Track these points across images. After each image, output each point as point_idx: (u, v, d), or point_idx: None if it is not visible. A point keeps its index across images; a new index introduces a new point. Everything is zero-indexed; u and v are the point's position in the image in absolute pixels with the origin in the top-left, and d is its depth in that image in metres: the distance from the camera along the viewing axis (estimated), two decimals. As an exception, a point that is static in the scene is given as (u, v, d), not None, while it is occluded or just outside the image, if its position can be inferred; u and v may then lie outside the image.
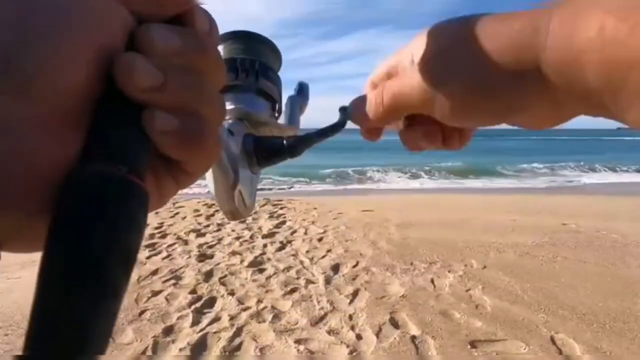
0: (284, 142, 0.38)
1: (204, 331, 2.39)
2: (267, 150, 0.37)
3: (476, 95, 0.29)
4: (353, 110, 0.38)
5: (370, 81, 0.38)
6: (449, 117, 0.31)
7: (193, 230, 4.63)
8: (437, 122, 0.34)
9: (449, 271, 3.30)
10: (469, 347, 2.24)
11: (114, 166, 0.17)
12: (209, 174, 0.33)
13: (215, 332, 2.38)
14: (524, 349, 2.21)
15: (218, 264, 3.49)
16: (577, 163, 16.12)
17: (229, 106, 0.37)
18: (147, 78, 0.18)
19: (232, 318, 2.54)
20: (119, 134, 0.18)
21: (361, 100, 0.37)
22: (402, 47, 0.35)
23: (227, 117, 0.37)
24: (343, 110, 0.40)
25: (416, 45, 0.32)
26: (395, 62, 0.35)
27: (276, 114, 0.43)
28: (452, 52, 0.30)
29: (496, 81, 0.28)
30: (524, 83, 0.27)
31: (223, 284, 3.06)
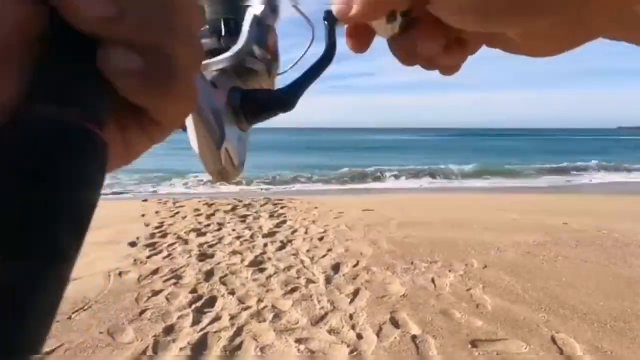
0: (274, 94, 0.35)
1: (205, 330, 2.38)
2: (256, 104, 0.34)
3: None
4: (336, 8, 0.29)
5: None
6: (459, 10, 0.24)
7: (193, 230, 4.63)
8: (438, 27, 0.27)
9: (449, 270, 3.30)
10: (469, 346, 2.23)
11: (62, 109, 0.15)
12: (192, 131, 0.30)
13: (215, 332, 2.38)
14: (525, 348, 2.21)
15: (218, 263, 3.49)
16: (578, 162, 16.09)
17: (212, 58, 0.33)
18: (97, 6, 0.16)
19: (232, 317, 2.54)
20: (68, 73, 0.16)
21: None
22: None
23: (210, 69, 0.34)
24: (328, 15, 0.31)
25: None
26: None
27: (266, 67, 0.39)
28: None
29: None
30: None
31: (223, 283, 3.06)
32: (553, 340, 2.28)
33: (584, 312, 2.60)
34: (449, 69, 0.31)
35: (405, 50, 0.30)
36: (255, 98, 0.33)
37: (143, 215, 5.52)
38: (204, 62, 0.33)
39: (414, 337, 2.31)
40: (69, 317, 2.49)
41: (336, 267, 3.39)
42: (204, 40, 0.34)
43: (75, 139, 0.15)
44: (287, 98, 0.33)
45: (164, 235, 4.38)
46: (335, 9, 0.29)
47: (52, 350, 2.15)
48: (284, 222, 5.09)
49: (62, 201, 0.14)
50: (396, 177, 12.57)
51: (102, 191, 0.17)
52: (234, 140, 0.32)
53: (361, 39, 0.31)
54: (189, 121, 0.29)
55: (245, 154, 0.35)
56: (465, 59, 0.31)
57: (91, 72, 0.17)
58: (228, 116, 0.32)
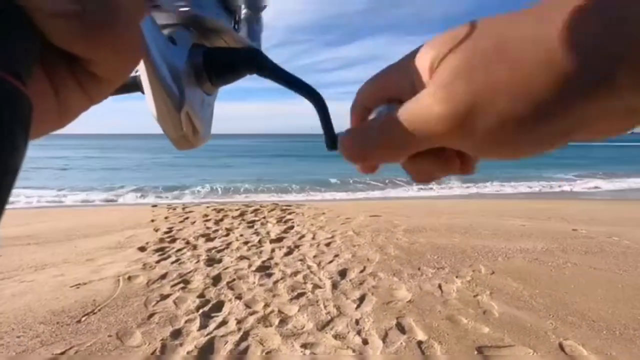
0: (241, 52, 0.31)
1: (212, 335, 2.41)
2: (221, 63, 0.30)
3: (539, 115, 0.20)
4: (344, 149, 0.28)
5: (358, 103, 0.29)
6: (489, 149, 0.23)
7: (202, 235, 4.67)
8: (450, 151, 0.26)
9: (456, 276, 3.28)
10: (475, 353, 2.22)
11: None
12: (148, 93, 0.26)
13: (222, 336, 2.40)
14: (532, 355, 2.19)
15: (226, 268, 3.52)
16: (589, 169, 15.89)
17: (168, 9, 0.29)
18: None
19: (239, 322, 2.56)
20: None
21: (353, 136, 0.28)
22: (408, 56, 0.26)
23: (169, 22, 0.30)
24: (329, 140, 0.30)
25: (436, 50, 0.23)
26: (399, 76, 0.26)
27: (235, 26, 0.34)
28: (501, 55, 0.21)
29: (568, 91, 0.20)
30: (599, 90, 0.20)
31: (231, 288, 3.09)
32: (561, 347, 2.26)
33: (593, 319, 2.57)
34: (469, 173, 0.30)
35: (422, 175, 0.29)
36: (221, 56, 0.30)
37: (153, 221, 5.59)
38: (162, 15, 0.29)
39: (420, 343, 2.31)
40: (79, 321, 2.53)
41: (343, 273, 3.39)
42: None
43: None
44: (256, 60, 0.30)
45: (173, 241, 4.42)
46: (344, 152, 0.28)
47: (62, 353, 2.18)
48: (292, 227, 5.11)
49: None
50: (403, 183, 12.52)
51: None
52: (196, 104, 0.29)
53: (372, 167, 0.30)
54: (145, 82, 0.26)
55: (210, 120, 0.32)
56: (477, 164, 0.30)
57: (10, 12, 0.14)
58: (189, 77, 0.28)
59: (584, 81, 0.19)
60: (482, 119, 0.21)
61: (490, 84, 0.21)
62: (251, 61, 0.30)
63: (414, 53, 0.25)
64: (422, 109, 0.23)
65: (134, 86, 0.28)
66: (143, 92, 0.27)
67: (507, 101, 0.21)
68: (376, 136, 0.26)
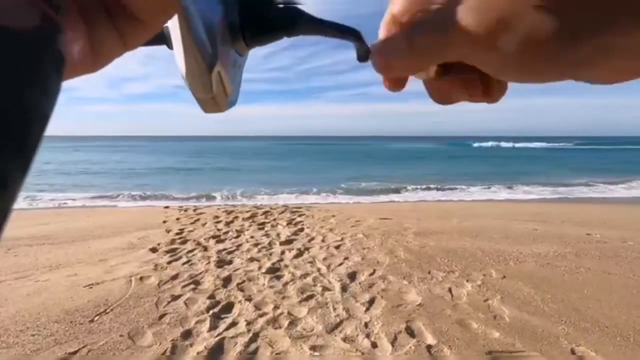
0: (281, 11, 0.28)
1: (221, 336, 2.43)
2: (259, 23, 0.28)
3: (580, 34, 0.18)
4: (374, 56, 0.27)
5: (390, 15, 0.27)
6: (513, 69, 0.21)
7: (213, 237, 4.71)
8: (475, 71, 0.24)
9: (467, 280, 3.26)
10: (486, 358, 2.20)
11: None
12: (178, 48, 0.24)
13: (232, 337, 2.42)
14: (543, 361, 2.17)
15: (236, 269, 3.54)
16: (604, 173, 15.64)
17: None
18: None
19: (248, 323, 2.57)
20: None
21: (379, 44, 0.27)
22: None
23: None
24: (360, 44, 0.28)
25: None
26: None
27: None
28: None
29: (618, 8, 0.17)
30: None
31: (241, 289, 3.11)
32: (573, 353, 2.23)
33: (606, 325, 2.53)
34: (491, 101, 0.28)
35: (441, 94, 0.28)
36: (258, 15, 0.28)
37: (164, 222, 5.65)
38: None
39: (429, 347, 2.30)
40: (92, 320, 2.57)
41: (352, 276, 3.39)
42: None
43: (23, 24, 0.11)
44: (295, 18, 0.28)
45: (184, 242, 4.47)
46: (374, 64, 0.27)
47: (75, 352, 2.22)
48: (302, 230, 5.13)
49: (13, 109, 0.11)
50: (413, 186, 12.46)
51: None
52: (229, 64, 0.27)
53: (398, 83, 0.29)
54: (176, 36, 0.24)
55: (240, 83, 0.30)
56: (505, 92, 0.28)
57: None
58: (224, 34, 0.26)
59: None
60: (512, 32, 0.19)
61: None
62: (290, 26, 0.28)
63: None
64: (447, 14, 0.21)
65: (161, 39, 0.27)
66: (170, 47, 0.25)
67: (540, 14, 0.18)
68: (399, 43, 0.24)
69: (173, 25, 0.24)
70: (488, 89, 0.26)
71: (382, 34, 0.28)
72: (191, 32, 0.23)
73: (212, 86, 0.25)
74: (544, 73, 0.21)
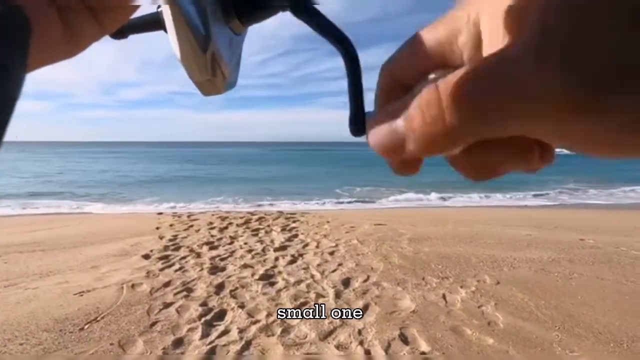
0: None
1: (213, 344, 2.40)
2: None
3: None
4: (371, 136, 0.19)
5: (386, 74, 0.21)
6: (606, 147, 0.15)
7: (206, 243, 4.67)
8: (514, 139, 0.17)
9: (461, 287, 3.25)
10: (479, 364, 2.19)
11: None
12: (172, 31, 0.23)
13: (224, 345, 2.39)
14: (537, 367, 2.16)
15: (229, 276, 3.51)
16: (596, 177, 15.76)
17: None
18: None
19: (241, 331, 2.55)
20: None
21: (383, 118, 0.18)
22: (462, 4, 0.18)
23: None
24: (356, 118, 0.22)
25: None
26: (449, 33, 0.19)
27: None
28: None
29: None
30: None
31: (234, 296, 3.08)
32: None
33: (600, 332, 2.53)
34: (535, 171, 0.21)
35: (483, 169, 0.20)
36: None
37: (157, 228, 5.61)
38: None
39: (423, 354, 2.28)
40: (82, 329, 2.53)
41: (346, 282, 3.37)
42: None
43: None
44: None
45: (177, 248, 4.43)
46: (372, 141, 0.19)
47: (64, 361, 2.18)
48: (296, 236, 5.10)
49: None
50: (408, 192, 12.48)
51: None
52: (224, 44, 0.26)
53: (413, 165, 0.21)
54: (168, 18, 0.23)
55: (238, 64, 0.29)
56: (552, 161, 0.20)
57: None
58: (216, 13, 0.25)
59: None
60: (623, 89, 0.13)
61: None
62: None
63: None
64: (506, 73, 0.14)
65: (157, 24, 0.26)
66: (166, 31, 0.24)
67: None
68: (416, 118, 0.17)
69: (165, 8, 0.23)
70: (546, 152, 0.19)
71: (379, 100, 0.22)
72: (182, 13, 0.23)
73: (207, 68, 0.25)
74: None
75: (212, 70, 0.25)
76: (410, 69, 0.20)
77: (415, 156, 0.18)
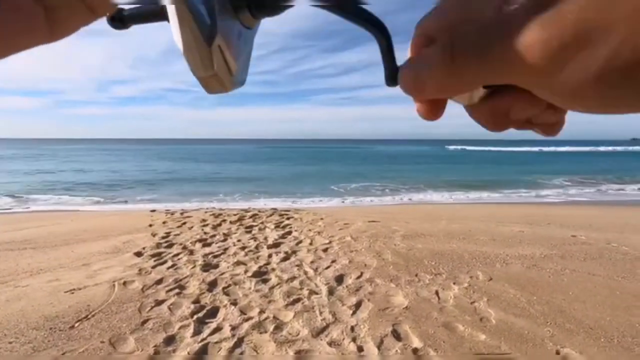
0: None
1: (205, 341, 2.38)
2: None
3: None
4: (403, 73, 0.23)
5: (422, 35, 0.22)
6: (580, 98, 0.17)
7: (199, 240, 4.65)
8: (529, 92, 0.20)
9: (454, 283, 3.26)
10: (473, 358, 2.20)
11: None
12: (174, 21, 0.22)
13: (216, 342, 2.37)
14: (529, 363, 2.17)
15: (222, 273, 3.50)
16: (589, 174, 15.89)
17: None
18: None
19: (233, 328, 2.53)
20: None
21: (410, 64, 0.23)
22: None
23: None
24: (390, 74, 0.24)
25: None
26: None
27: None
28: None
29: None
30: None
31: (226, 293, 3.06)
32: (558, 354, 2.24)
33: (591, 327, 2.55)
34: (551, 128, 0.23)
35: (494, 117, 0.23)
36: None
37: (150, 226, 5.57)
38: None
39: (415, 350, 2.29)
40: (72, 326, 2.51)
41: (339, 279, 3.37)
42: None
43: None
44: None
45: (170, 246, 4.40)
46: (401, 84, 0.23)
47: None
48: (290, 233, 5.09)
49: None
50: (402, 189, 12.52)
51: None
52: (232, 38, 0.24)
53: (436, 108, 0.24)
54: (171, 7, 0.22)
55: (248, 60, 0.27)
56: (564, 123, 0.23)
57: None
58: (225, 4, 0.24)
59: None
60: (592, 54, 0.15)
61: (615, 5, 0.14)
62: None
63: None
64: (501, 27, 0.17)
65: (160, 14, 0.24)
66: (168, 20, 0.23)
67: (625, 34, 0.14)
68: (435, 57, 0.20)
69: None
70: (553, 107, 0.21)
71: (412, 52, 0.24)
72: (185, 1, 0.21)
73: (213, 62, 0.23)
74: (634, 106, 0.17)
75: (217, 65, 0.23)
76: (439, 25, 0.22)
77: (434, 96, 0.22)
